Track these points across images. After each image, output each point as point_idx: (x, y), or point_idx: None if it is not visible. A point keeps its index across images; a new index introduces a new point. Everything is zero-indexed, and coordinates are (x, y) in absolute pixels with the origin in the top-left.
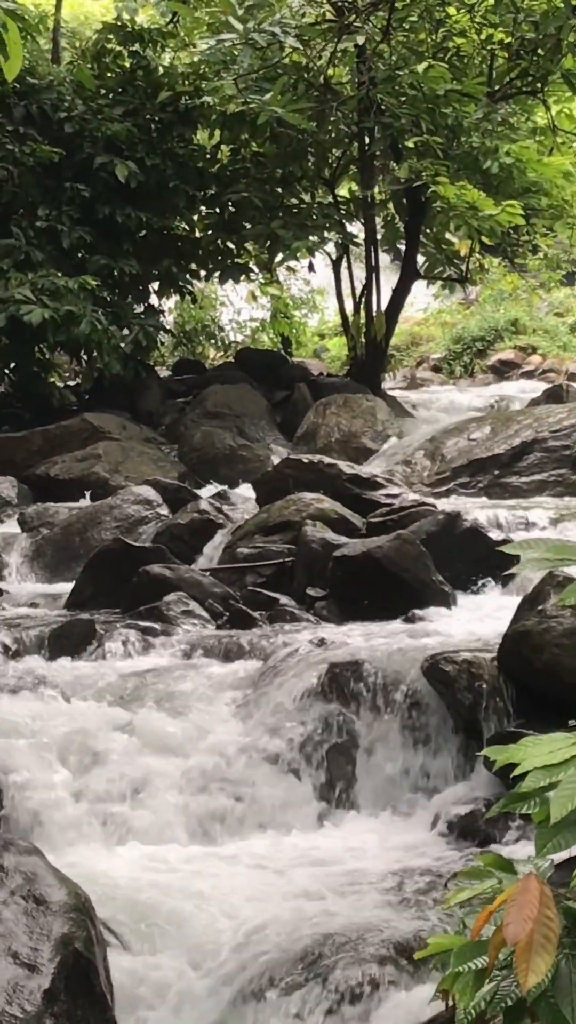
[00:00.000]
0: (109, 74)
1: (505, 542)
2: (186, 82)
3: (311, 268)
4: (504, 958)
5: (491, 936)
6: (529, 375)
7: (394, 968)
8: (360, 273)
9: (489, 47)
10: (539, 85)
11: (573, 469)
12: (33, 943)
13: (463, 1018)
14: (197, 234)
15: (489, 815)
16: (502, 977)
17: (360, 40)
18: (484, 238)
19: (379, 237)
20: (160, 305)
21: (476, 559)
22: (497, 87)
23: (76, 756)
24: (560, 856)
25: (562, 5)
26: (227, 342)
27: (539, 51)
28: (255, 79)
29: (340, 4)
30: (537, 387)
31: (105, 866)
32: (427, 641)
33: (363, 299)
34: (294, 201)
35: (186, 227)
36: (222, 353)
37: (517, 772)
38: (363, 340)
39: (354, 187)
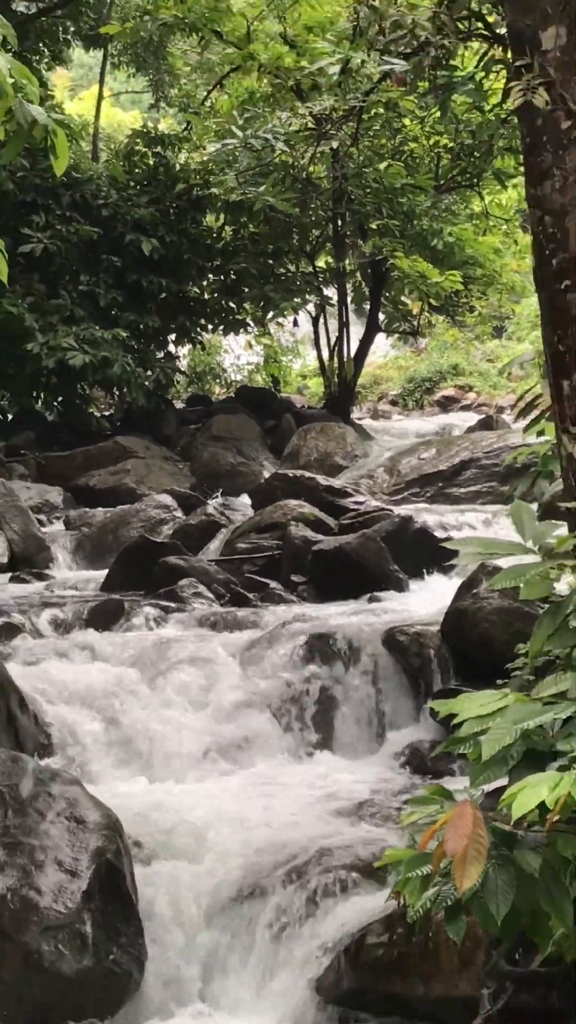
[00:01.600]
0: (137, 170)
1: (447, 540)
2: (197, 177)
3: (295, 323)
4: (444, 867)
5: (435, 850)
6: (466, 408)
7: (359, 874)
8: (334, 327)
9: (436, 150)
10: (475, 180)
11: (501, 483)
12: (74, 854)
13: (413, 914)
14: (206, 296)
15: (434, 754)
16: (443, 882)
17: (334, 144)
18: (431, 300)
19: (349, 299)
20: (176, 352)
21: (424, 553)
22: (442, 182)
23: (108, 705)
24: (489, 787)
25: (493, 119)
26: (229, 381)
27: (475, 153)
28: (251, 175)
29: (318, 116)
30: (473, 417)
31: (132, 793)
32: (385, 617)
33: (336, 348)
34: (282, 270)
35: (197, 291)
36: (225, 390)
37: (456, 721)
38: (336, 380)
39: (329, 260)
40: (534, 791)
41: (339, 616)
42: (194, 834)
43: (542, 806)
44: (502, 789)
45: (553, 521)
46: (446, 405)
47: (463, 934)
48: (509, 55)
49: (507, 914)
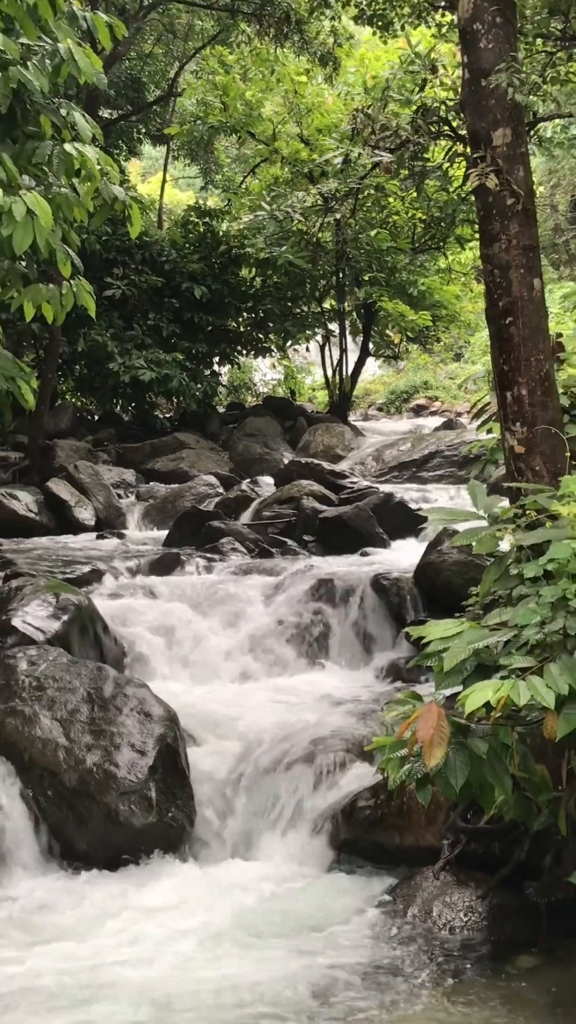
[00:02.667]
0: (191, 235)
1: (419, 510)
2: (235, 240)
3: (307, 349)
4: (416, 750)
5: (409, 737)
6: (433, 413)
7: (352, 755)
8: (336, 353)
9: (412, 221)
10: (441, 244)
11: (459, 468)
12: (143, 739)
13: (392, 784)
14: (241, 329)
15: (408, 667)
16: (415, 761)
17: (337, 216)
18: (408, 333)
19: (347, 332)
20: (219, 370)
21: (402, 520)
22: (417, 244)
23: (168, 629)
24: (449, 691)
25: (455, 197)
26: (257, 392)
27: (442, 223)
28: (275, 239)
29: (325, 195)
30: (438, 420)
31: (185, 694)
32: (372, 567)
33: (337, 368)
34: (297, 310)
35: (234, 325)
36: (255, 399)
37: (425, 642)
38: (337, 392)
39: (333, 303)
40: (482, 694)
41: (338, 566)
42: (231, 724)
43: (488, 705)
44: (458, 693)
45: (498, 496)
46: (418, 411)
47: (429, 799)
48: (468, 150)
49: (462, 785)
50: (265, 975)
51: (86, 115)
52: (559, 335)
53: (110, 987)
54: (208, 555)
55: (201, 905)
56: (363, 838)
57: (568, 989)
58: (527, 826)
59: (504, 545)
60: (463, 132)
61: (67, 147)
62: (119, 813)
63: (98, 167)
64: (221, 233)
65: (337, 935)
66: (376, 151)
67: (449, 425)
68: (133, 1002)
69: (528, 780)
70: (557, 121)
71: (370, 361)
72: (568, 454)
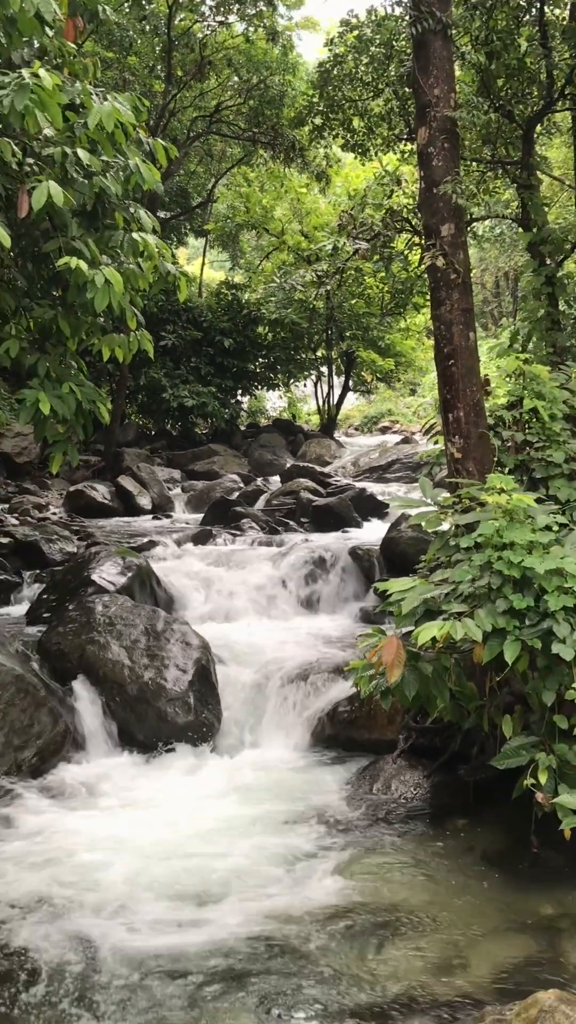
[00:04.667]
0: (222, 302)
1: (384, 501)
2: (253, 306)
3: (305, 385)
4: (381, 670)
5: (376, 661)
6: (395, 432)
7: (335, 673)
8: (325, 388)
9: (382, 292)
10: (402, 309)
11: (413, 471)
12: (184, 661)
13: (363, 695)
14: (257, 370)
15: (375, 612)
16: (380, 678)
17: (327, 288)
18: (378, 374)
19: (334, 373)
20: (241, 399)
21: (372, 507)
22: (385, 310)
23: (203, 583)
24: (405, 630)
25: (413, 275)
26: (269, 416)
27: (403, 294)
28: (282, 304)
29: (319, 273)
30: (398, 438)
31: (216, 629)
32: (351, 541)
33: (326, 399)
34: (298, 356)
35: (252, 367)
36: (267, 420)
37: (388, 593)
38: (326, 416)
39: (324, 352)
40: (429, 631)
41: (326, 540)
42: (248, 652)
43: (434, 639)
44: (412, 631)
45: (442, 489)
46: (384, 431)
47: (390, 705)
48: (423, 240)
49: (414, 695)
50: (260, 823)
51: (148, 212)
52: (487, 376)
53: (152, 822)
54: (232, 531)
55: (221, 777)
56: (341, 734)
57: (486, 841)
58: (460, 725)
59: (445, 524)
60: (419, 227)
61: (134, 235)
62: (167, 714)
63: (156, 250)
64: (244, 301)
65: (320, 800)
66: (356, 241)
67: (406, 441)
68: (166, 829)
69: (461, 692)
70: (486, 222)
71: (350, 395)
72: (493, 459)
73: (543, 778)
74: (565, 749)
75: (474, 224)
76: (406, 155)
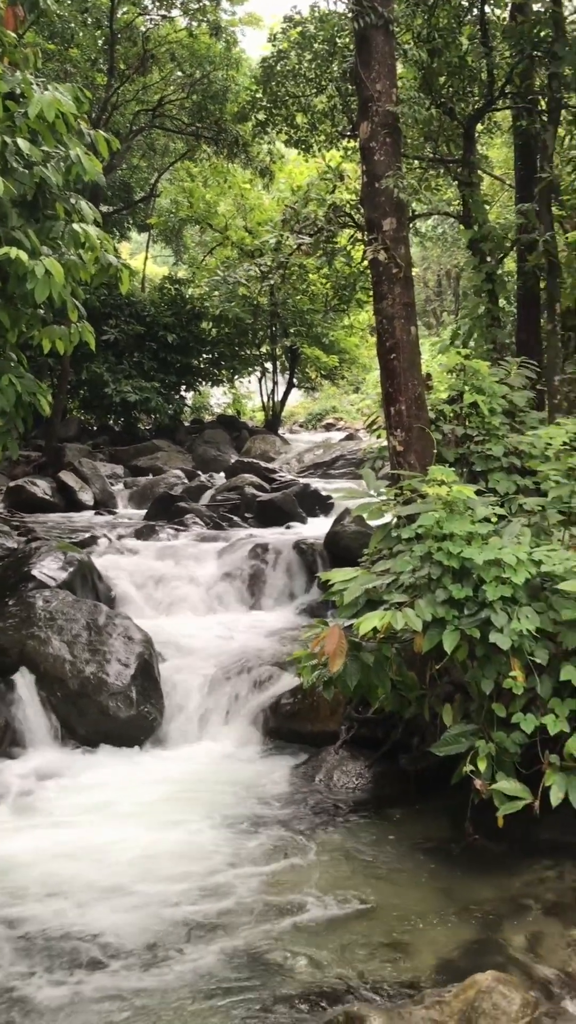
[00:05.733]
0: (165, 297)
1: (328, 496)
2: (197, 301)
3: (249, 381)
4: (323, 660)
5: (318, 651)
6: (339, 429)
7: (278, 667)
8: (270, 384)
9: (325, 288)
10: (346, 306)
11: (356, 468)
12: (127, 655)
13: (306, 685)
14: (201, 366)
15: (319, 601)
16: (322, 669)
17: (271, 283)
18: (322, 371)
19: (278, 369)
20: (184, 395)
21: (315, 503)
22: (328, 307)
23: (146, 578)
24: (347, 622)
25: (356, 270)
26: (213, 412)
27: (346, 290)
28: (226, 300)
29: (262, 268)
30: (342, 434)
31: (159, 624)
32: (294, 536)
33: (271, 395)
34: (242, 353)
35: (196, 362)
36: (211, 416)
37: (330, 584)
38: (271, 413)
39: (268, 348)
40: (371, 620)
41: (270, 535)
42: (191, 646)
43: (375, 629)
44: (353, 622)
45: (384, 481)
46: (328, 428)
47: (332, 696)
48: (366, 235)
49: (355, 686)
50: (202, 815)
51: (90, 204)
52: (428, 373)
53: (95, 813)
54: (176, 526)
55: (163, 770)
56: (285, 726)
57: (426, 829)
58: (401, 715)
59: (388, 516)
60: (362, 223)
61: (75, 226)
62: (109, 708)
63: (98, 241)
64: (187, 296)
65: (264, 792)
66: (299, 236)
67: (350, 437)
68: (108, 823)
69: (402, 682)
70: (429, 221)
71: (295, 391)
72: (434, 451)
73: (482, 765)
74: (503, 737)
75: (416, 221)
76: (349, 152)
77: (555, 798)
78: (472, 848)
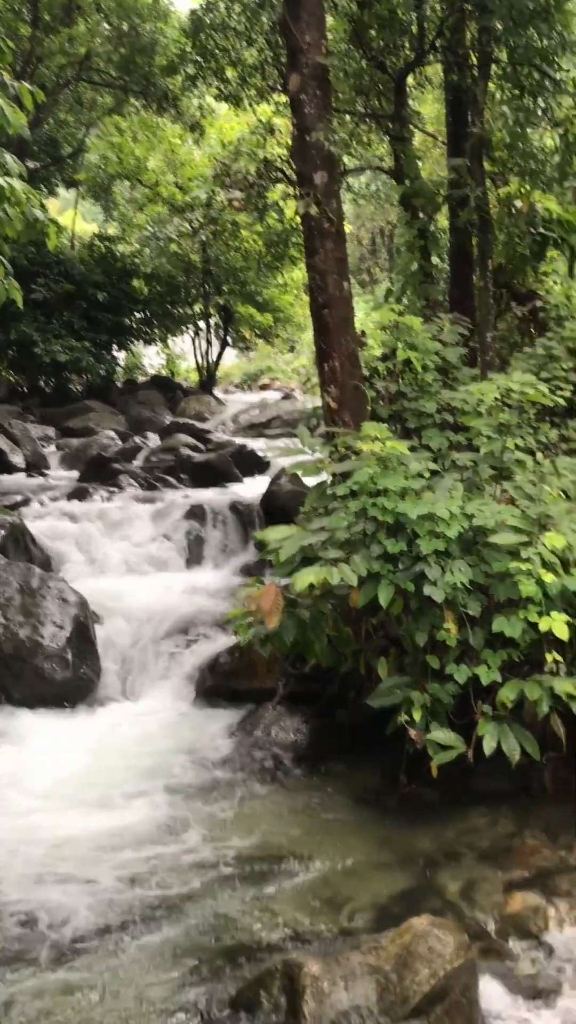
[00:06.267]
0: (95, 254)
1: (264, 456)
2: (128, 259)
3: (184, 342)
4: (259, 618)
5: (255, 609)
6: (276, 389)
7: (216, 626)
8: (203, 344)
9: (257, 245)
10: (278, 264)
11: (292, 427)
12: (62, 618)
13: (243, 643)
14: (133, 325)
15: (257, 560)
16: (259, 626)
17: (203, 238)
18: (256, 330)
19: (212, 328)
20: (117, 355)
21: (252, 463)
22: (262, 264)
23: (80, 540)
24: (284, 581)
25: (289, 227)
26: (147, 372)
27: (279, 245)
28: (158, 254)
29: (193, 224)
30: (278, 395)
31: (94, 585)
32: (231, 496)
33: (205, 355)
34: (175, 312)
35: (128, 321)
36: (145, 377)
37: (266, 543)
38: (205, 373)
39: (201, 307)
40: (306, 577)
41: (206, 496)
42: (128, 607)
43: (311, 585)
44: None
45: (320, 439)
46: (264, 388)
47: (269, 653)
48: (298, 190)
49: (292, 642)
50: (138, 774)
51: (14, 158)
52: (363, 331)
53: (31, 775)
54: (110, 488)
55: (100, 731)
56: (222, 684)
57: (363, 781)
58: (338, 670)
59: (324, 474)
60: (294, 177)
61: (0, 180)
62: (44, 671)
63: (24, 196)
64: (118, 254)
65: (200, 750)
66: (230, 191)
67: (286, 397)
68: (45, 783)
69: (338, 637)
70: (362, 178)
71: (230, 351)
72: (368, 408)
73: (416, 716)
74: (437, 688)
75: (349, 178)
76: (280, 106)
77: (488, 747)
78: (407, 798)
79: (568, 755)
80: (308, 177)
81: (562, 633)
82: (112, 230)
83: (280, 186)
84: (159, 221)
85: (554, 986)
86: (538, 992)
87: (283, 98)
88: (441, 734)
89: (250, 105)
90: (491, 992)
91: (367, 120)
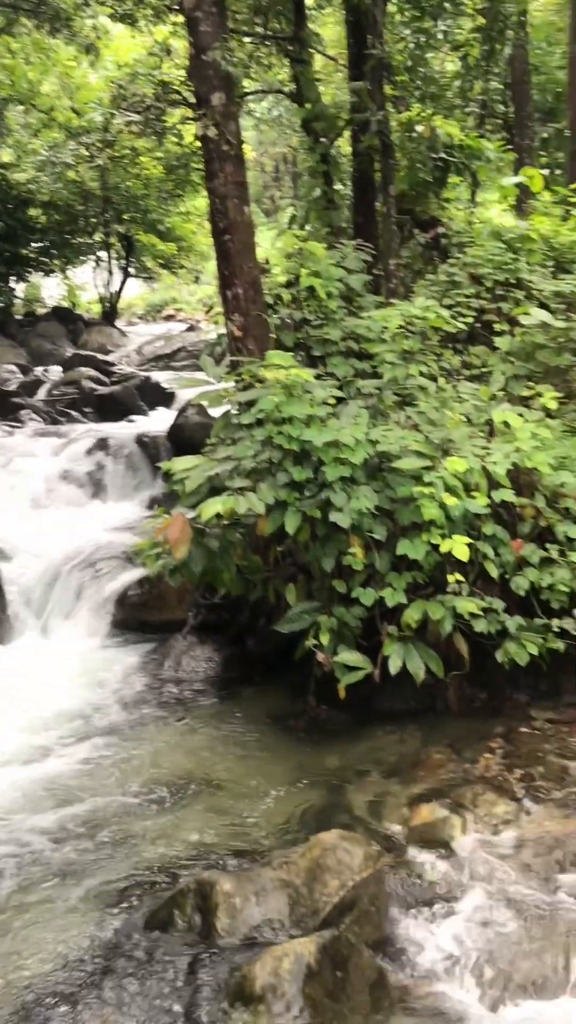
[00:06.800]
0: None
1: (171, 391)
2: (23, 187)
3: (85, 272)
4: (167, 548)
5: (162, 539)
6: (181, 321)
7: (125, 560)
8: (105, 274)
9: (157, 171)
10: (180, 192)
11: (198, 359)
12: None
13: (152, 574)
14: (31, 256)
15: (165, 492)
16: (167, 557)
17: (100, 163)
18: (159, 260)
19: (114, 258)
20: (15, 287)
21: (157, 395)
22: (164, 192)
23: None
24: (192, 513)
25: (190, 151)
26: (47, 304)
27: (180, 170)
28: (56, 183)
29: (90, 149)
30: (184, 326)
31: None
32: (137, 429)
33: (107, 285)
34: (75, 241)
35: (26, 252)
36: (45, 309)
37: (172, 474)
38: (107, 304)
39: (102, 236)
40: (213, 506)
41: (111, 429)
42: (33, 544)
43: (218, 514)
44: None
45: (225, 368)
46: (168, 319)
47: (178, 583)
48: (196, 113)
49: (201, 572)
50: (49, 708)
51: None
52: (266, 259)
53: None
54: (11, 423)
55: (9, 669)
56: (132, 616)
57: (274, 706)
58: (247, 598)
59: (228, 404)
60: (192, 101)
61: None
62: None
63: None
64: (13, 181)
65: (111, 682)
66: (127, 114)
67: (191, 329)
68: None
69: (247, 566)
70: (263, 103)
71: (133, 282)
72: (273, 336)
73: (324, 640)
74: (344, 612)
75: (251, 103)
76: (177, 27)
77: (394, 666)
78: (317, 720)
79: (471, 672)
80: (205, 98)
81: (463, 554)
82: (6, 157)
83: (180, 110)
84: (55, 147)
85: (458, 891)
86: (443, 898)
87: (180, 18)
88: (348, 656)
89: (146, 25)
90: (399, 900)
91: (266, 42)
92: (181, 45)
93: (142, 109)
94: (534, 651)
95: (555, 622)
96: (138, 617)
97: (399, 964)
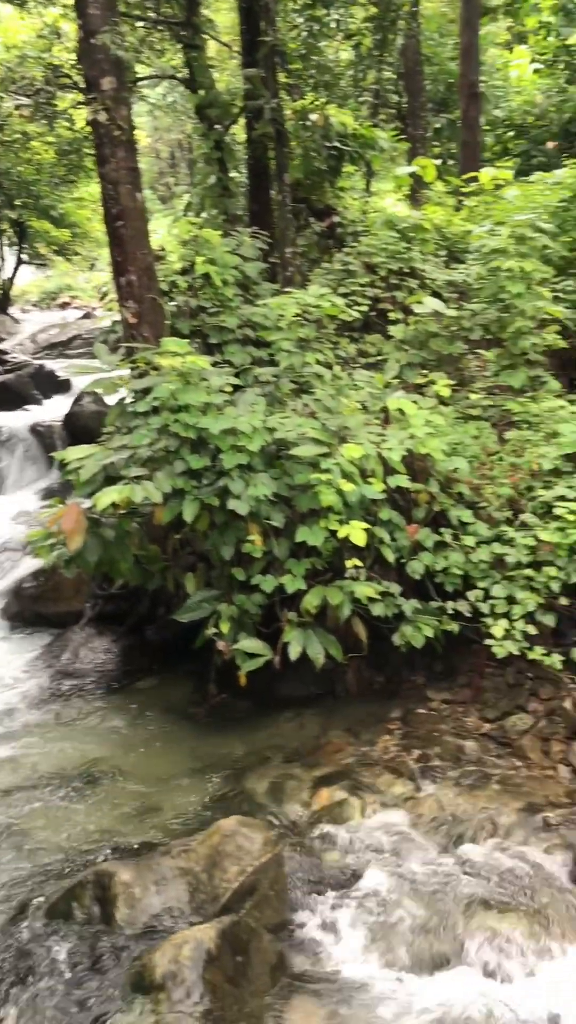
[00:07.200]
0: None
1: (66, 379)
2: None
3: None
4: (61, 539)
5: (56, 530)
6: (76, 308)
7: (20, 552)
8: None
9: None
10: (73, 177)
11: (92, 348)
12: None
13: (46, 564)
14: None
15: (62, 482)
16: (62, 548)
17: None
18: (53, 247)
19: (5, 244)
20: None
21: (52, 384)
22: (57, 178)
23: None
24: (87, 503)
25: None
26: None
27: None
28: None
29: None
30: (79, 314)
31: None
32: (31, 417)
33: None
34: None
35: None
36: None
37: (67, 462)
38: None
39: None
40: (109, 495)
41: (4, 418)
42: None
43: (114, 504)
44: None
45: (119, 355)
46: (63, 307)
47: (74, 575)
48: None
49: (97, 562)
50: None
51: None
52: (161, 246)
53: None
54: None
55: None
56: (28, 609)
57: (174, 696)
58: (146, 588)
59: (124, 391)
60: (83, 85)
61: None
62: None
63: None
64: None
65: (7, 676)
66: (16, 96)
67: (87, 316)
68: None
69: (145, 555)
70: (158, 89)
71: (26, 268)
72: (168, 324)
73: (224, 628)
74: (244, 599)
75: (145, 89)
76: (68, 9)
77: (294, 652)
78: (218, 709)
79: (369, 655)
80: (95, 82)
81: (360, 540)
82: None
83: (71, 95)
84: None
85: (357, 871)
86: (343, 878)
87: (70, 0)
88: (248, 643)
89: (36, 7)
90: (299, 882)
91: (159, 27)
92: (72, 28)
93: (32, 92)
94: (429, 633)
95: (449, 604)
96: (34, 609)
97: (300, 946)
